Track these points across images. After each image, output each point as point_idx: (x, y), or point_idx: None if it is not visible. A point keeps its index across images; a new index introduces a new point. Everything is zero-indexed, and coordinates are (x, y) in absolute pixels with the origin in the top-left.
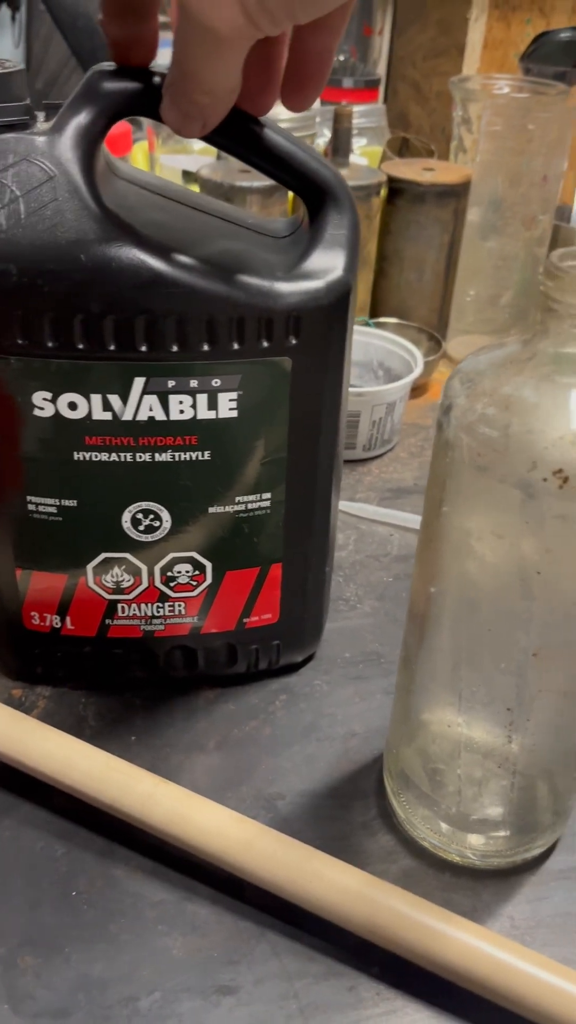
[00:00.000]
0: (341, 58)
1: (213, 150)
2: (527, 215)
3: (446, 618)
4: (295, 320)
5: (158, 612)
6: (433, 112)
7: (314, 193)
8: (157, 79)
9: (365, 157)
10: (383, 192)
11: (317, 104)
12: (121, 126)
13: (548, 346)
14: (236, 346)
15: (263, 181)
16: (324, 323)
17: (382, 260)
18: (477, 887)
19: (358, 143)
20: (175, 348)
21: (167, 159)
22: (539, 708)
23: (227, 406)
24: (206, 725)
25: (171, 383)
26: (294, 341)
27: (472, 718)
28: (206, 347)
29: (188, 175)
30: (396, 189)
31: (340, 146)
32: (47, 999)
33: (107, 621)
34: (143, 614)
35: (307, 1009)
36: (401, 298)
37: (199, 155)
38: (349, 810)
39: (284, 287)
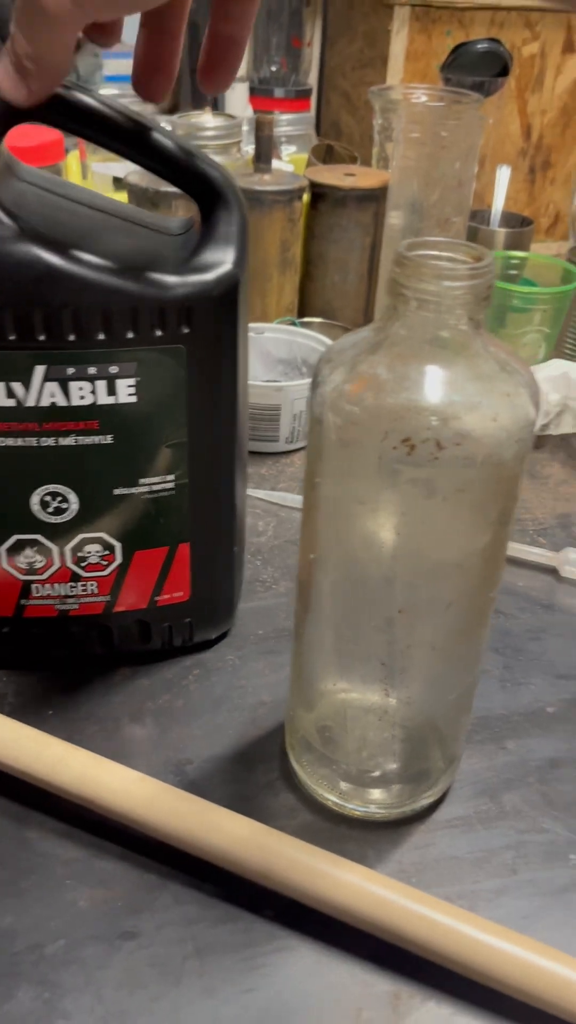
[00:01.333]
0: (273, 69)
1: None
2: (442, 218)
3: (325, 583)
4: (187, 311)
5: (71, 592)
6: (362, 120)
7: (204, 193)
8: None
9: (293, 164)
10: (305, 197)
11: (248, 112)
12: (52, 134)
13: (399, 328)
14: (131, 335)
15: None
16: (215, 313)
17: (308, 263)
18: (370, 837)
19: (287, 150)
20: (72, 337)
21: (99, 167)
22: (411, 662)
23: (126, 392)
24: (122, 699)
25: (71, 370)
26: (187, 330)
27: (352, 675)
28: (102, 336)
29: (118, 181)
30: (319, 194)
31: (262, 152)
32: None
33: (22, 601)
34: (57, 594)
35: (203, 949)
36: (327, 299)
37: (130, 163)
38: (253, 772)
39: (175, 280)
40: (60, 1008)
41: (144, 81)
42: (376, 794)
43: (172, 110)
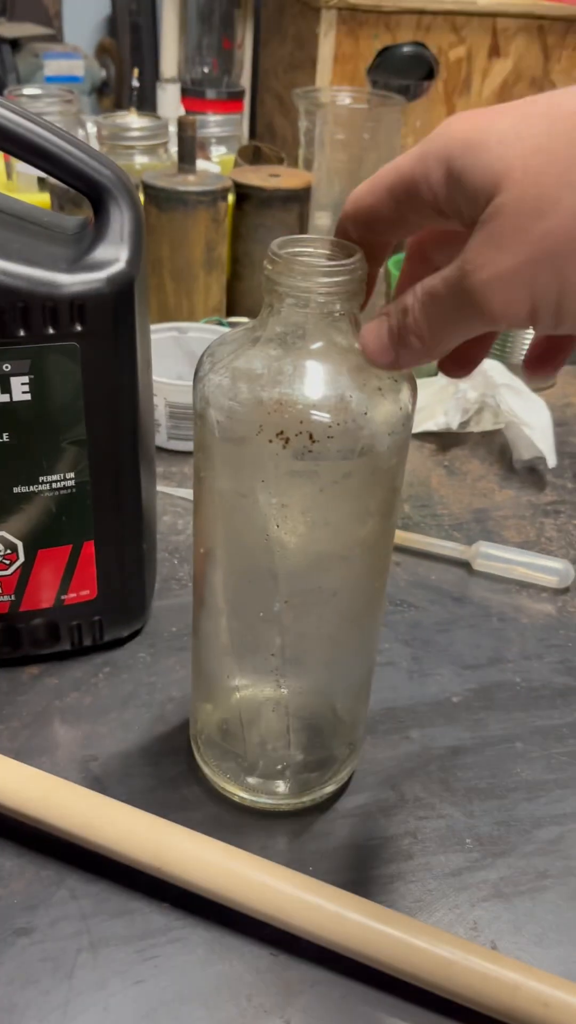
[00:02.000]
0: (205, 70)
1: None
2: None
3: (214, 576)
4: (79, 308)
5: None
6: (295, 122)
7: (94, 192)
8: None
9: (222, 165)
10: (230, 197)
11: (180, 112)
12: None
13: (274, 323)
14: (23, 333)
15: None
16: (109, 311)
17: (235, 263)
18: (273, 828)
19: (218, 151)
20: None
21: (23, 167)
22: (301, 652)
23: (20, 390)
24: (27, 698)
25: None
26: (79, 328)
27: (246, 667)
28: None
29: (42, 182)
30: (243, 195)
31: (185, 153)
32: None
33: None
34: None
35: (97, 943)
36: (254, 299)
37: None
38: (159, 767)
39: (66, 278)
40: None
41: (536, 367)
42: (280, 785)
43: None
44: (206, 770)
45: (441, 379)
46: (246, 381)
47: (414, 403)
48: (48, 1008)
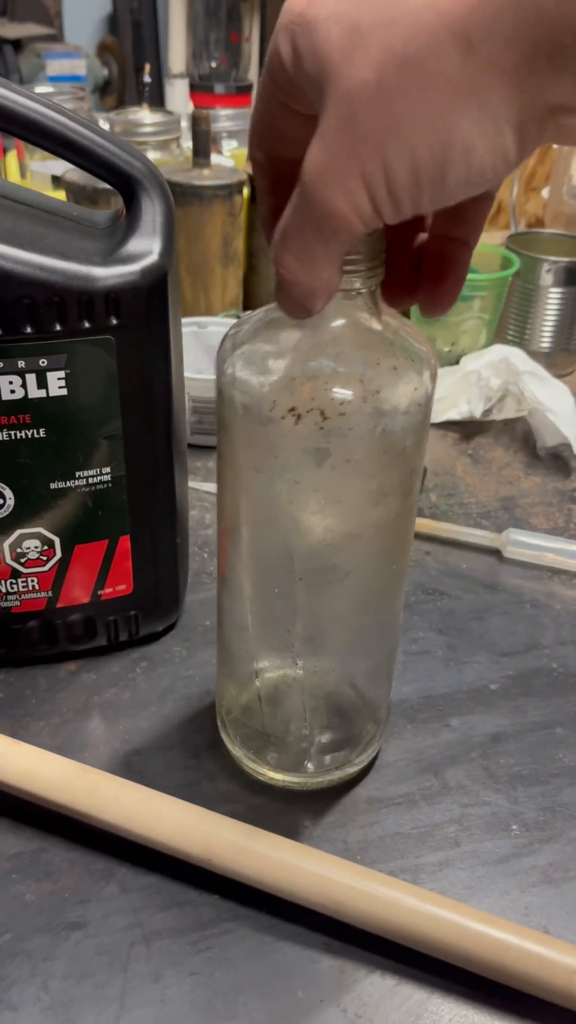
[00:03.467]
0: (213, 65)
1: None
2: None
3: (234, 553)
4: (114, 302)
5: (12, 588)
6: None
7: (126, 184)
8: None
9: (234, 159)
10: (245, 191)
11: (189, 109)
12: None
13: None
14: (59, 327)
15: None
16: (143, 304)
17: (251, 256)
18: (318, 819)
19: (228, 145)
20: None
21: (37, 165)
22: (316, 631)
23: (56, 385)
24: (67, 695)
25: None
26: (115, 321)
27: (264, 645)
28: (30, 329)
29: (57, 180)
30: None
31: (200, 147)
32: None
33: None
34: None
35: (150, 936)
36: (271, 292)
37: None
38: (200, 759)
39: (101, 272)
40: (6, 1000)
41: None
42: (307, 764)
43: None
44: (233, 750)
45: (463, 367)
46: (263, 359)
47: (433, 385)
48: (105, 1002)
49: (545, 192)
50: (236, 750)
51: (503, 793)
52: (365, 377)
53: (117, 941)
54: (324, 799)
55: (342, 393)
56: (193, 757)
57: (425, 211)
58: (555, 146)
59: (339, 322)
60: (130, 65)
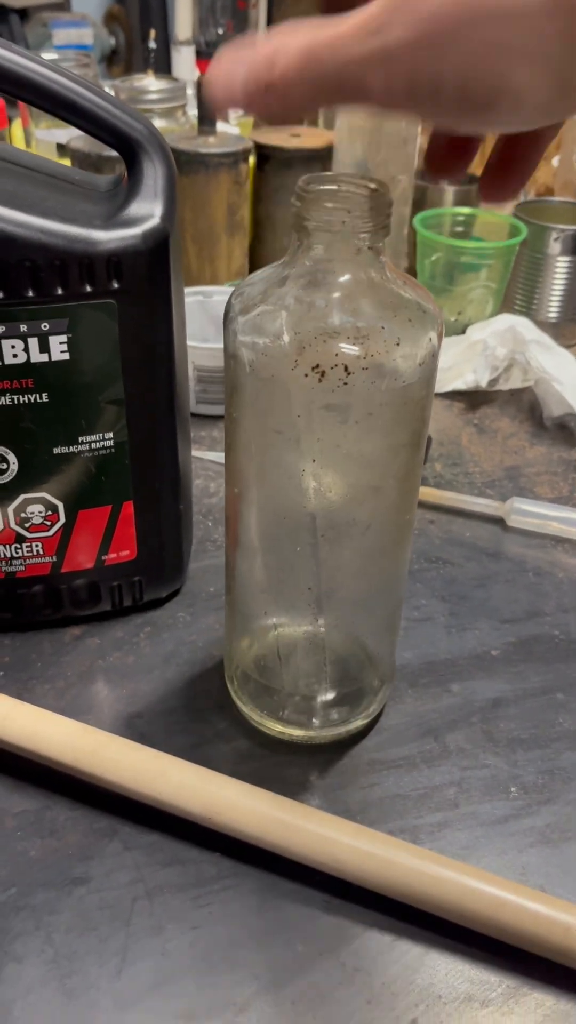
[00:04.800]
0: (219, 31)
1: None
2: (388, 176)
3: (250, 515)
4: (115, 265)
5: (16, 553)
6: None
7: (127, 147)
8: None
9: (240, 127)
10: (251, 159)
11: (195, 75)
12: None
13: (303, 259)
14: (60, 291)
15: None
16: (145, 267)
17: (257, 225)
18: (317, 782)
19: (235, 113)
20: (1, 295)
21: (43, 134)
22: (336, 585)
23: (59, 349)
24: (72, 659)
25: (1, 328)
26: (116, 285)
27: (282, 603)
28: (31, 292)
29: (62, 148)
30: (264, 155)
31: (205, 114)
32: None
33: None
34: (2, 556)
35: (152, 891)
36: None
37: (73, 129)
38: (205, 723)
39: (102, 235)
40: (11, 952)
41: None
42: (315, 718)
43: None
44: (243, 708)
45: (469, 337)
46: (279, 317)
47: (441, 335)
48: (108, 954)
49: (555, 161)
50: (244, 706)
51: (502, 756)
52: (384, 331)
53: (120, 896)
54: (326, 760)
55: (364, 348)
56: (196, 719)
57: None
58: None
59: (351, 279)
60: (137, 34)
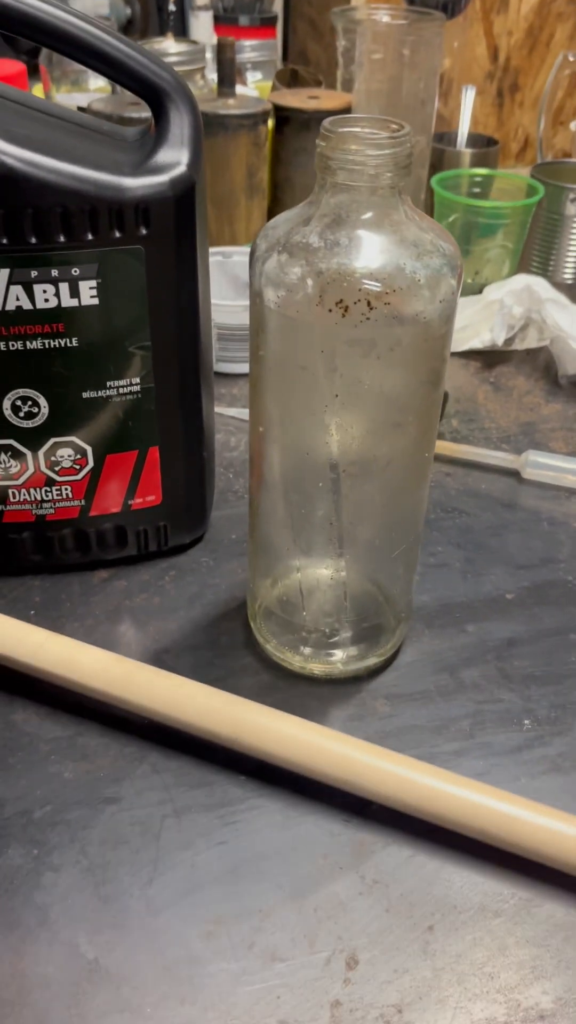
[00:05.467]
0: None
1: (108, 88)
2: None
3: (274, 453)
4: (144, 211)
5: (47, 496)
6: (328, 47)
7: (154, 96)
8: None
9: (258, 91)
10: (270, 121)
11: (212, 40)
12: (15, 66)
13: (327, 198)
14: (91, 236)
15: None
16: (172, 214)
17: (275, 188)
18: (337, 712)
19: (253, 77)
20: (34, 240)
21: (63, 98)
22: (357, 520)
23: (88, 294)
24: (100, 599)
25: (34, 273)
26: (144, 231)
27: (304, 539)
28: (62, 238)
29: (83, 111)
30: (283, 118)
31: (225, 76)
32: None
33: (0, 507)
34: (33, 498)
35: (181, 810)
36: None
37: (94, 93)
38: (227, 657)
39: (131, 182)
40: (48, 862)
41: None
42: (336, 653)
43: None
44: (265, 645)
45: (486, 296)
46: (303, 255)
47: (460, 274)
48: (139, 864)
49: (573, 125)
50: (267, 643)
51: (516, 692)
52: (406, 268)
53: (150, 814)
54: (346, 693)
55: (386, 284)
56: (221, 655)
57: None
58: None
59: (373, 217)
60: (152, 3)
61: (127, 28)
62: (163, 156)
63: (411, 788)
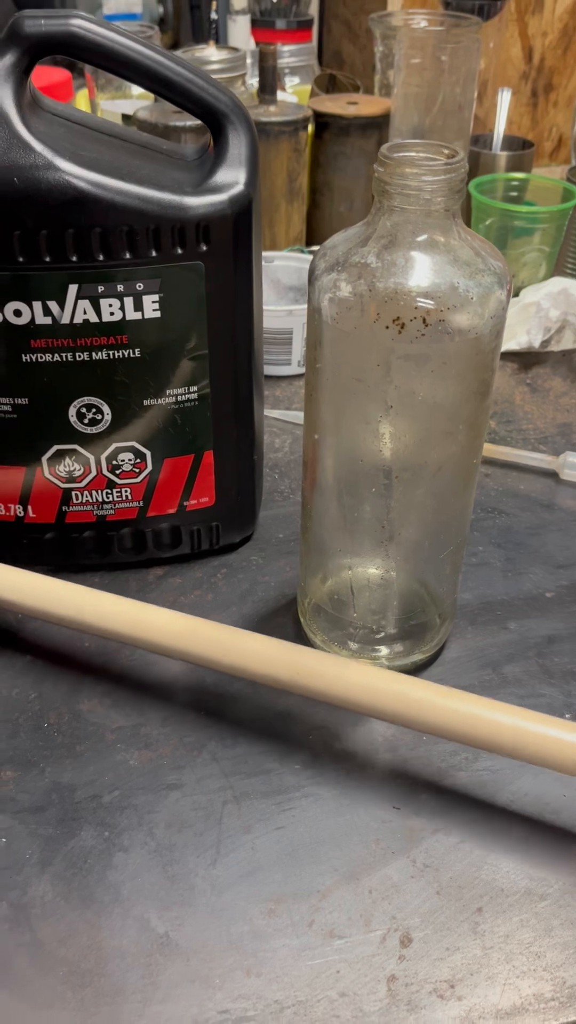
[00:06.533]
0: (274, 0)
1: (150, 95)
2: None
3: (328, 458)
4: (204, 229)
5: (107, 498)
6: (364, 49)
7: (214, 118)
8: (75, 23)
9: (296, 95)
10: (310, 127)
11: (251, 45)
12: (61, 74)
13: (384, 220)
14: (154, 253)
15: (194, 121)
16: (230, 231)
17: (314, 192)
18: None
19: (291, 82)
20: (101, 257)
21: (107, 104)
22: (407, 522)
23: (151, 307)
24: (156, 595)
25: (100, 288)
26: (204, 248)
27: (355, 539)
28: (128, 255)
29: (127, 118)
30: (323, 123)
31: (266, 83)
32: (26, 800)
33: (64, 508)
34: (94, 500)
35: (240, 796)
36: (333, 227)
37: (137, 99)
38: None
39: (193, 201)
40: (119, 843)
41: None
42: (383, 649)
43: (174, 47)
44: (314, 639)
45: (523, 299)
46: (361, 274)
47: (510, 291)
48: (203, 847)
49: None
50: (316, 637)
51: (557, 687)
52: (459, 286)
53: (211, 800)
54: None
55: (440, 302)
56: None
57: None
58: None
59: (428, 238)
60: (185, 1)
61: (160, 26)
62: (222, 176)
63: (474, 724)
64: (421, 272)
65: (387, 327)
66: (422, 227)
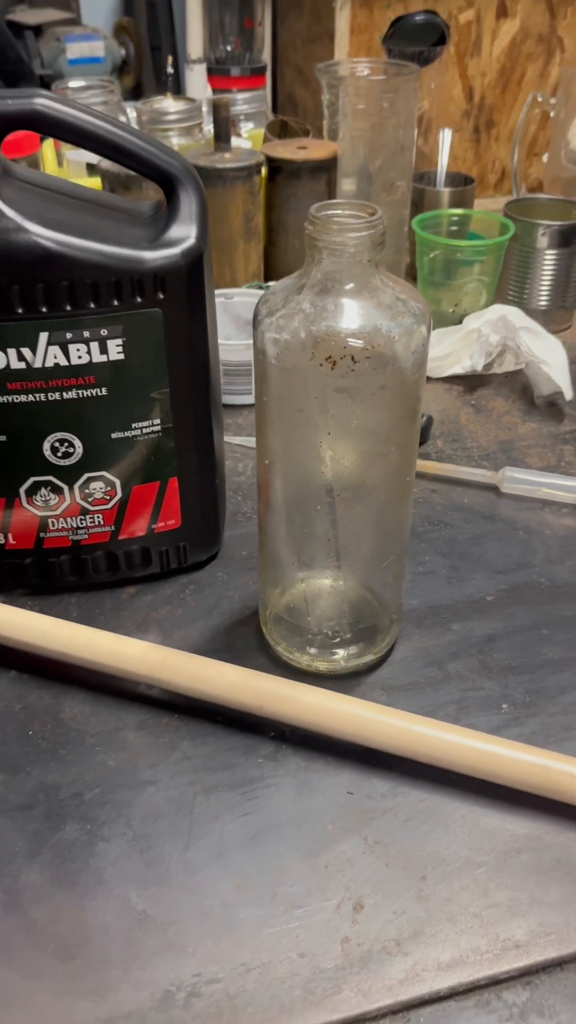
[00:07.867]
0: (228, 49)
1: None
2: (388, 182)
3: (278, 481)
4: (160, 280)
5: (81, 524)
6: (315, 92)
7: (167, 181)
8: (39, 101)
9: (251, 139)
10: (263, 171)
11: (207, 92)
12: None
13: (316, 271)
14: (116, 302)
15: None
16: (184, 280)
17: (270, 231)
18: (341, 690)
19: (246, 127)
20: (69, 307)
21: (72, 154)
22: (351, 536)
23: (115, 351)
24: (129, 612)
25: (69, 335)
26: (161, 296)
27: (306, 554)
28: (93, 305)
29: (91, 167)
30: (275, 168)
31: (221, 132)
32: (15, 800)
33: (41, 535)
34: (69, 526)
35: (209, 788)
36: (289, 264)
37: None
38: (243, 658)
39: (149, 255)
40: (100, 834)
41: None
42: (339, 652)
43: (136, 91)
44: (276, 647)
45: (466, 326)
46: (297, 319)
47: (429, 328)
48: (176, 834)
49: (545, 158)
50: (277, 646)
51: (495, 680)
52: (383, 328)
53: (183, 793)
54: (347, 686)
55: (367, 341)
56: (238, 657)
57: None
58: (552, 113)
59: (355, 286)
60: (146, 45)
61: (122, 68)
62: (175, 231)
63: (419, 740)
64: (349, 316)
65: (321, 364)
66: (348, 276)
